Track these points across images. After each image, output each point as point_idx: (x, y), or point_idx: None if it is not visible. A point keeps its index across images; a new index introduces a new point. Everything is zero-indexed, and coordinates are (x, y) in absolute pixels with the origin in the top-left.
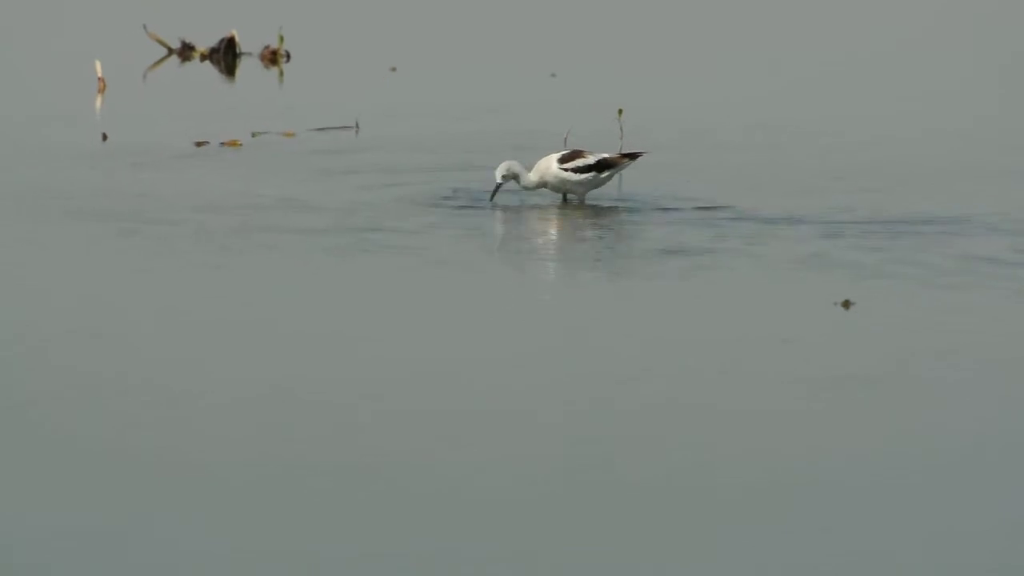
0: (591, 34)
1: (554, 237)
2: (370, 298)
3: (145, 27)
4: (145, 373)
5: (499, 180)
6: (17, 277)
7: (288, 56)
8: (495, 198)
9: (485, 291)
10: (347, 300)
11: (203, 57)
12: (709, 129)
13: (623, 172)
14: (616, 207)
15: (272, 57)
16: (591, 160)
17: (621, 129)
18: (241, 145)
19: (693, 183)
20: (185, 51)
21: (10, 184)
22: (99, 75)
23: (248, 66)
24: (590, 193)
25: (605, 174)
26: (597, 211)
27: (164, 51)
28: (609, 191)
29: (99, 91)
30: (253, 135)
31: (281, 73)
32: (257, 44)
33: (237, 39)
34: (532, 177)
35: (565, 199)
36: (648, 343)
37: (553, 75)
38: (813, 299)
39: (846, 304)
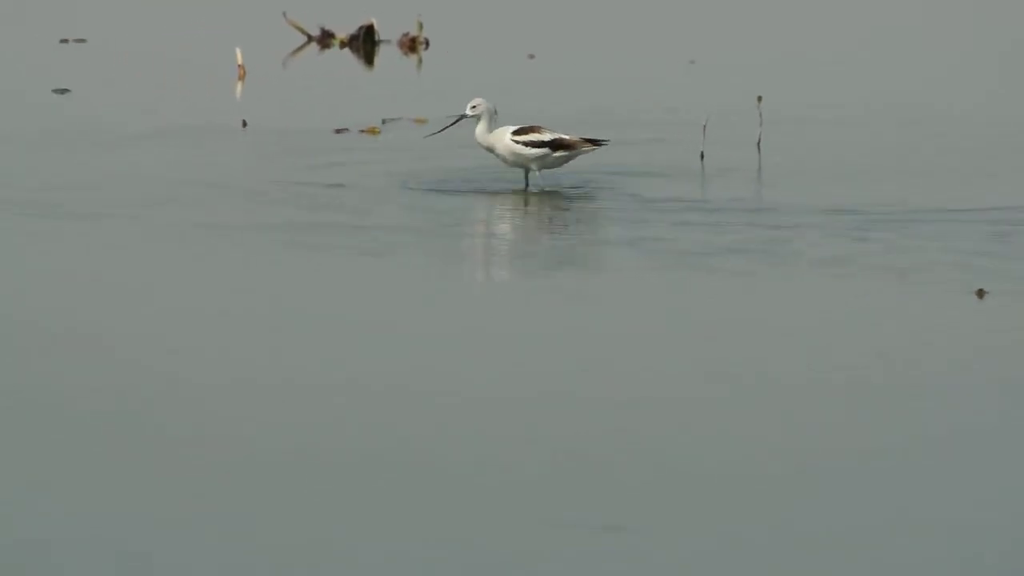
0: (731, 22)
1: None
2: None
3: (285, 14)
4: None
5: (467, 112)
6: (166, 261)
7: (427, 43)
8: (442, 132)
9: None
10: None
11: (342, 44)
12: (849, 116)
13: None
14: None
15: (411, 44)
16: (546, 137)
17: (760, 116)
18: (379, 132)
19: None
20: (324, 38)
21: (155, 167)
22: (239, 62)
23: (387, 53)
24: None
25: (558, 154)
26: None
27: (303, 38)
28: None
29: (239, 78)
30: (383, 121)
31: (420, 60)
32: (396, 31)
33: (376, 26)
34: (486, 137)
35: (526, 181)
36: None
37: (692, 62)
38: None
39: (980, 293)
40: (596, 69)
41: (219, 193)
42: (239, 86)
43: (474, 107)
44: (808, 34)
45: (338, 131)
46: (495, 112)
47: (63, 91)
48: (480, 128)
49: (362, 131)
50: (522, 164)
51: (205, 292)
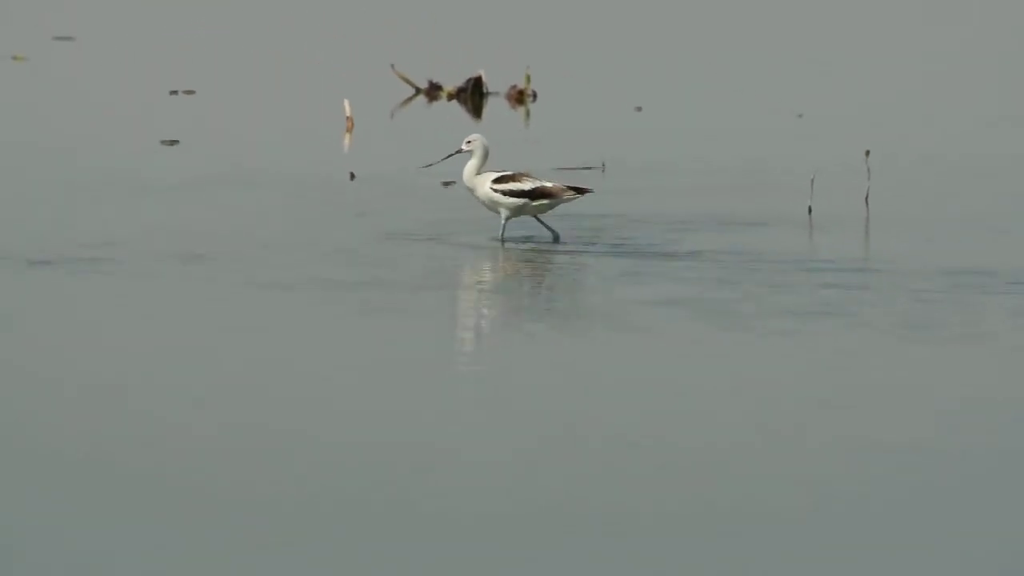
0: (838, 75)
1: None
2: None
3: (393, 67)
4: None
5: (463, 147)
6: (277, 309)
7: (535, 95)
8: (435, 166)
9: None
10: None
11: (450, 96)
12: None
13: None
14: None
15: (519, 97)
16: (526, 186)
17: (868, 170)
18: None
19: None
20: (432, 91)
21: (258, 219)
22: (348, 114)
23: (495, 105)
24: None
25: (539, 202)
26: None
27: (412, 90)
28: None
29: (347, 130)
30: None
31: (527, 112)
32: (504, 83)
33: (484, 79)
34: (472, 178)
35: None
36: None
37: (800, 116)
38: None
39: None
40: (704, 121)
41: (313, 247)
42: (347, 138)
43: (469, 142)
44: (918, 85)
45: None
46: (487, 153)
47: (172, 142)
48: (469, 167)
49: None
50: (496, 210)
51: (271, 344)
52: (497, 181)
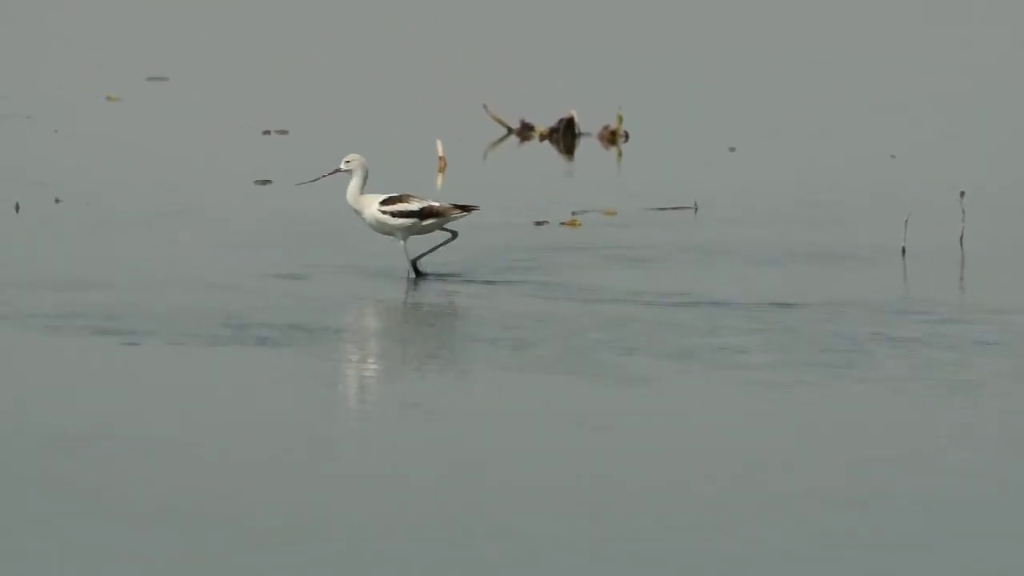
0: (931, 115)
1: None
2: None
3: (486, 107)
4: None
5: (341, 166)
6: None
7: (627, 136)
8: (314, 182)
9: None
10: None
11: (542, 137)
12: None
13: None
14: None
15: (611, 137)
16: (414, 207)
17: (963, 212)
18: (580, 225)
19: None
20: (524, 131)
21: (355, 258)
22: (440, 154)
23: (587, 146)
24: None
25: (428, 222)
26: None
27: (504, 131)
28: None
29: (440, 170)
30: (573, 214)
31: (619, 153)
32: (596, 124)
33: (576, 119)
34: (357, 198)
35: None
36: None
37: (892, 156)
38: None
39: None
40: (797, 162)
41: (399, 290)
42: (440, 178)
43: (348, 162)
44: (1015, 122)
45: (538, 223)
46: (367, 173)
47: (264, 182)
48: (352, 188)
49: (562, 223)
50: (387, 232)
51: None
52: (384, 203)
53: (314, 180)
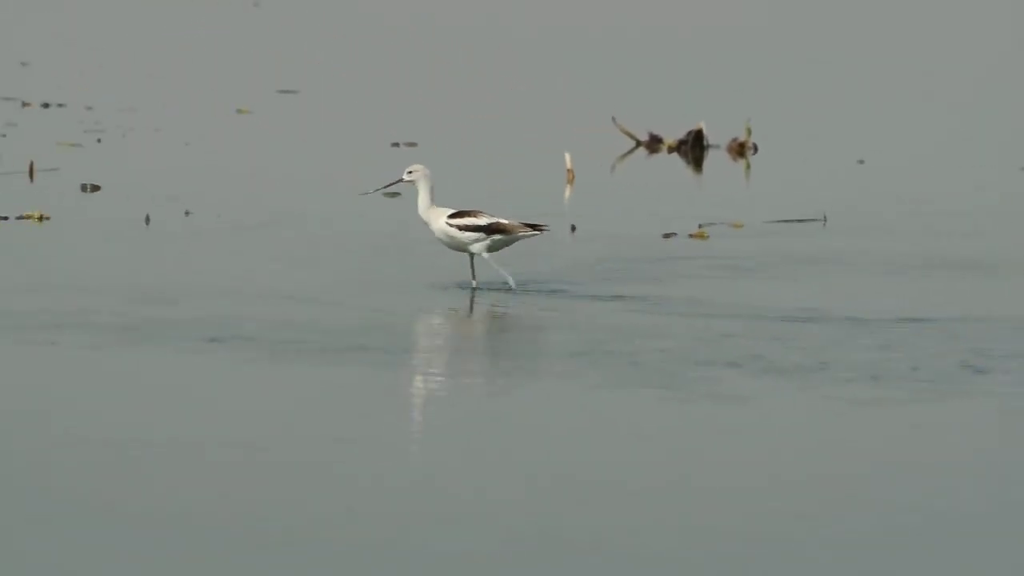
0: None
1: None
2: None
3: (614, 119)
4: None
5: (404, 176)
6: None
7: (755, 148)
8: (377, 191)
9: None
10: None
11: (670, 149)
12: None
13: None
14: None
15: (739, 149)
16: (481, 222)
17: None
18: (708, 237)
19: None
20: (653, 143)
21: (478, 272)
22: (568, 166)
23: (715, 158)
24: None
25: (497, 238)
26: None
27: (632, 143)
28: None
29: (568, 182)
30: (700, 226)
31: (748, 165)
32: (724, 136)
33: (705, 131)
34: (427, 211)
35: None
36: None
37: (1023, 169)
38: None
39: None
40: (927, 173)
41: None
42: (567, 190)
43: (410, 172)
44: None
45: (666, 235)
46: (432, 185)
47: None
48: (421, 200)
49: (690, 236)
50: (458, 248)
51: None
52: (452, 216)
53: (376, 190)
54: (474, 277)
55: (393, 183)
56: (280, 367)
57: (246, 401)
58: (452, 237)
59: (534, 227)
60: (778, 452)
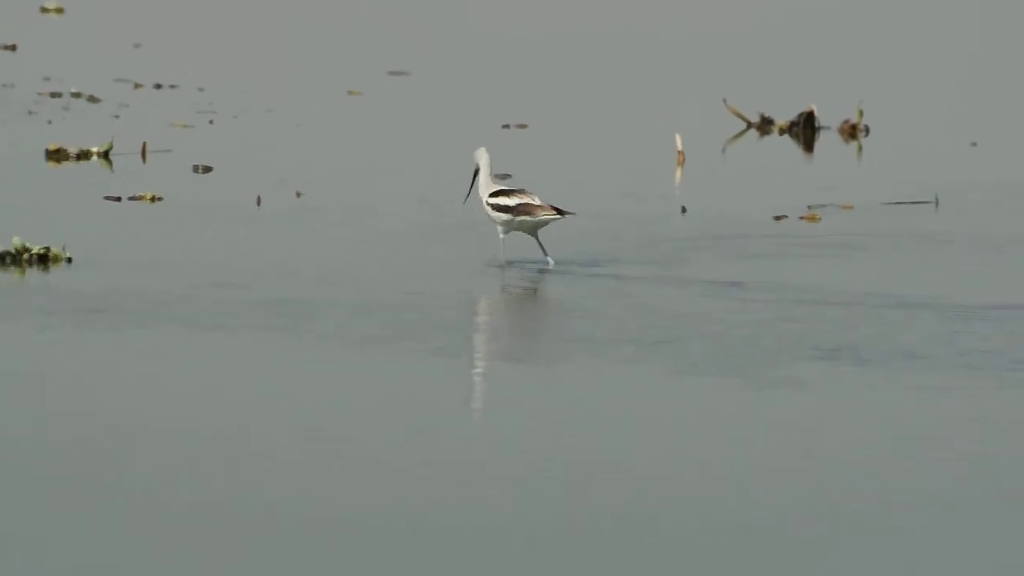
0: None
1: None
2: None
3: (725, 101)
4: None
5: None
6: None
7: (867, 130)
8: (468, 196)
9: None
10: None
11: (782, 131)
12: None
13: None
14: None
15: (851, 131)
16: (511, 202)
17: None
18: (819, 219)
19: None
20: (764, 125)
21: (585, 254)
22: (679, 148)
23: (826, 140)
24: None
25: (521, 219)
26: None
27: (743, 125)
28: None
29: (679, 164)
30: (809, 208)
31: (859, 147)
32: (836, 118)
33: (816, 113)
34: (484, 188)
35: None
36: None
37: None
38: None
39: None
40: None
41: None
42: (678, 172)
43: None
44: None
45: (777, 218)
46: (487, 164)
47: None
48: (481, 180)
49: (801, 218)
50: (503, 227)
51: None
52: (492, 195)
53: (468, 196)
54: (546, 254)
55: (473, 179)
56: (353, 353)
57: (315, 388)
58: (488, 216)
59: (559, 211)
60: (858, 442)
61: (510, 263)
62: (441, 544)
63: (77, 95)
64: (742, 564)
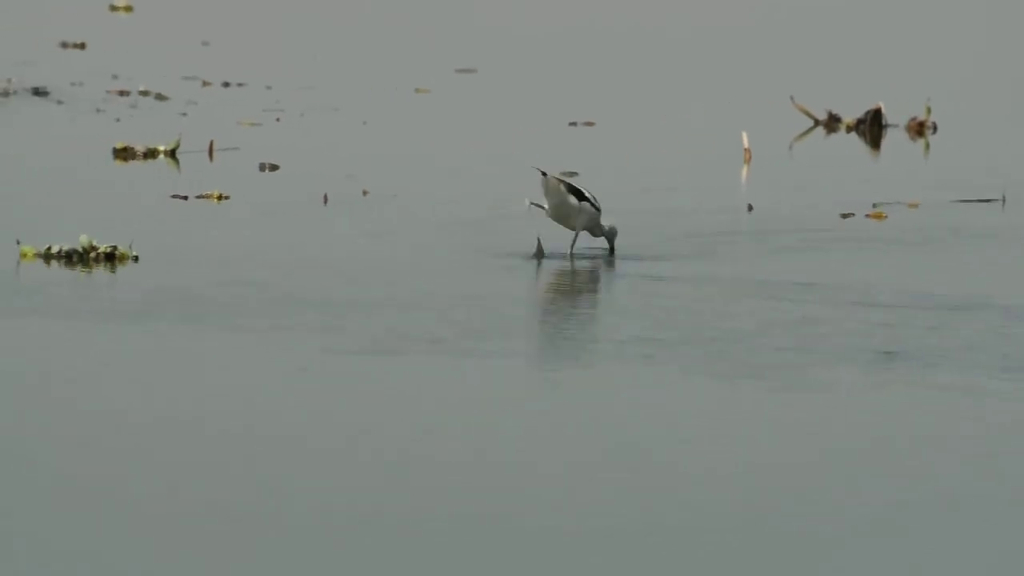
0: None
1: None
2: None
3: (792, 98)
4: None
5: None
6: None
7: (935, 128)
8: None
9: None
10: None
11: (849, 129)
12: None
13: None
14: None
15: (919, 129)
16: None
17: None
18: (886, 217)
19: None
20: (831, 122)
21: (647, 252)
22: (745, 146)
23: (894, 137)
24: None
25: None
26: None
27: (810, 122)
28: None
29: (745, 161)
30: (874, 206)
31: (927, 145)
32: (904, 115)
33: (883, 110)
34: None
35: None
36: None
37: None
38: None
39: None
40: None
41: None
42: (744, 170)
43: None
44: None
45: (844, 215)
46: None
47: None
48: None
49: (868, 216)
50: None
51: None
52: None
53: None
54: (612, 253)
55: (543, 175)
56: (401, 353)
57: (360, 388)
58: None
59: (538, 205)
60: (889, 445)
61: (574, 257)
62: (471, 544)
63: (145, 93)
64: (756, 563)
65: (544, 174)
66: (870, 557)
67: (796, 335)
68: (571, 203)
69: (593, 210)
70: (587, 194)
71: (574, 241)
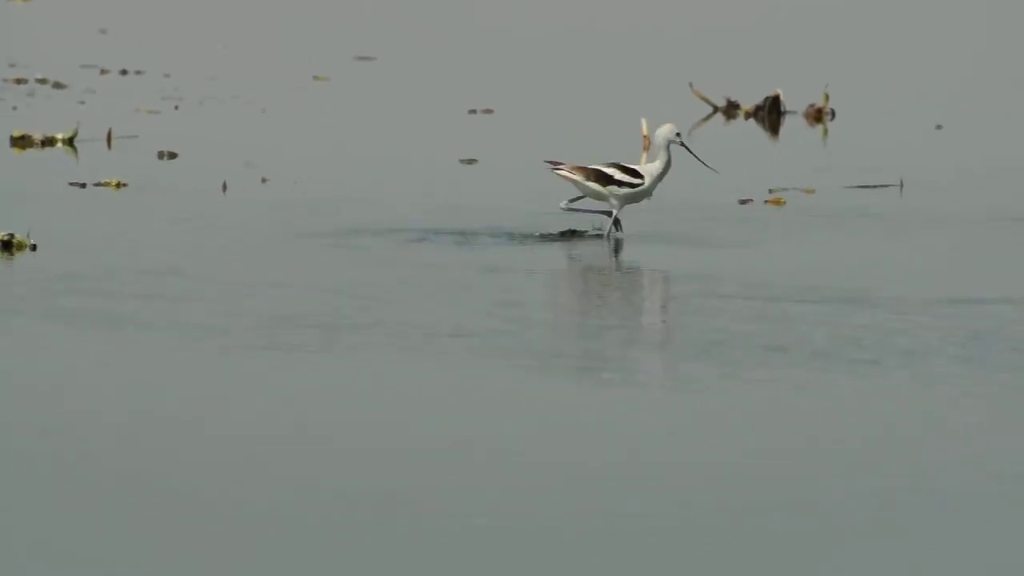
0: None
1: None
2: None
3: (691, 85)
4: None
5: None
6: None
7: (833, 114)
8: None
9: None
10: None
11: (747, 115)
12: None
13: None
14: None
15: (817, 115)
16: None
17: None
18: (784, 203)
19: None
20: (730, 109)
21: (545, 242)
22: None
23: (792, 124)
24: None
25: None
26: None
27: (709, 109)
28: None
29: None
30: (770, 191)
31: (825, 131)
32: (802, 102)
33: (782, 97)
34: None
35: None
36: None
37: None
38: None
39: None
40: (1007, 140)
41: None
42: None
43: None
44: None
45: (742, 202)
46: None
47: (470, 161)
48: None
49: (766, 202)
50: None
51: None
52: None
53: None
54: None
55: (553, 167)
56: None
57: (371, 392)
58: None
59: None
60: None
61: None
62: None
63: (43, 81)
64: (747, 561)
65: (556, 167)
66: (863, 556)
67: (712, 328)
68: (596, 189)
69: (625, 190)
70: (616, 174)
71: (613, 222)
